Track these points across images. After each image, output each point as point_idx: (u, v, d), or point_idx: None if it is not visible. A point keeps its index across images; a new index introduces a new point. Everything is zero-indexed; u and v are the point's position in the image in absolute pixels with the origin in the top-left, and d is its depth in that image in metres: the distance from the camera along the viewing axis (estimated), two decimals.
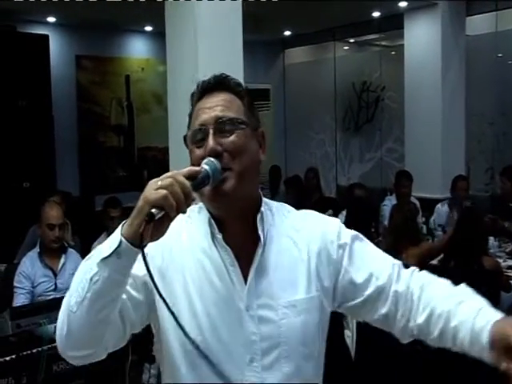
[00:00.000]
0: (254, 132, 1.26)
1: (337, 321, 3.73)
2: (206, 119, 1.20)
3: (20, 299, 3.37)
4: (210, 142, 1.18)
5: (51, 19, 6.87)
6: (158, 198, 1.03)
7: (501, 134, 6.69)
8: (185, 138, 1.25)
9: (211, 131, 1.18)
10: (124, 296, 1.13)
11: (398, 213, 3.77)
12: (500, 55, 6.71)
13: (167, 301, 1.07)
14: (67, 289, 3.54)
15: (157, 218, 1.03)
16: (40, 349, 2.34)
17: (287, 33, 8.74)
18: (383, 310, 1.24)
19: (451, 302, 1.18)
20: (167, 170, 4.01)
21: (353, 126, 8.54)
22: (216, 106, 1.22)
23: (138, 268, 1.10)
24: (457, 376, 3.17)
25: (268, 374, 1.18)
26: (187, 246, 1.22)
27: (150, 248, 1.08)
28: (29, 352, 2.34)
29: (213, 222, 1.22)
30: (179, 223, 1.17)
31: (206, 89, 1.25)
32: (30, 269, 3.48)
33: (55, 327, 3.00)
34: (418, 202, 5.37)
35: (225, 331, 1.17)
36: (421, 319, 1.20)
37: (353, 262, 1.27)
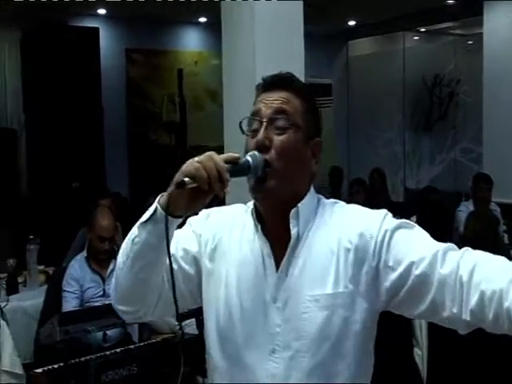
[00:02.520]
0: (308, 139, 1.33)
1: (404, 338, 3.66)
2: (262, 111, 1.32)
3: (69, 303, 3.46)
4: (260, 134, 1.29)
5: (101, 11, 7.09)
6: (191, 169, 1.20)
7: None
8: (240, 123, 1.37)
9: (264, 124, 1.29)
10: (175, 266, 1.30)
11: (477, 221, 3.66)
12: None
13: (214, 285, 1.33)
14: None
15: (188, 186, 1.18)
16: (89, 357, 2.40)
17: (351, 22, 8.67)
18: (429, 298, 1.23)
19: (503, 279, 1.14)
20: None
21: (423, 124, 8.38)
22: (275, 100, 1.32)
23: (191, 244, 1.36)
24: None
25: (289, 366, 1.26)
26: (238, 236, 1.36)
27: (205, 231, 1.37)
28: (77, 360, 2.41)
29: (254, 213, 1.35)
30: (238, 214, 1.39)
31: (270, 83, 1.36)
32: (78, 272, 3.57)
33: (103, 335, 3.08)
34: (498, 209, 5.21)
35: (251, 320, 1.29)
36: (472, 303, 1.16)
37: (392, 253, 1.27)
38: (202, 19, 7.75)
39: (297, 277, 1.28)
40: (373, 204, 6.07)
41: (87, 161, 6.37)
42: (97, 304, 3.46)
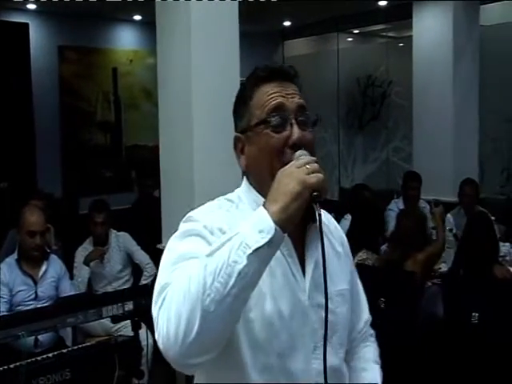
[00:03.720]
0: None
1: None
2: (286, 105, 1.28)
3: None
4: (298, 132, 1.26)
5: (31, 6, 6.86)
6: (320, 182, 1.12)
7: None
8: (268, 120, 1.27)
9: (294, 120, 1.27)
10: None
11: (407, 219, 3.77)
12: None
13: None
14: (49, 297, 3.52)
15: (317, 200, 1.12)
16: (19, 363, 2.33)
17: (287, 23, 8.75)
18: None
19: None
20: (157, 170, 4.00)
21: (357, 124, 8.54)
22: (294, 94, 1.30)
23: None
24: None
25: (329, 360, 1.26)
26: None
27: (215, 236, 1.19)
28: (6, 367, 2.33)
29: None
30: (227, 212, 1.29)
31: (278, 73, 1.32)
32: (7, 276, 3.46)
33: (35, 340, 2.98)
34: (428, 206, 5.37)
35: (291, 322, 1.25)
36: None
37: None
38: (137, 17, 7.64)
39: (321, 274, 1.24)
40: None
41: (17, 161, 6.17)
42: (29, 307, 3.36)
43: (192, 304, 1.03)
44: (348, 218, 4.75)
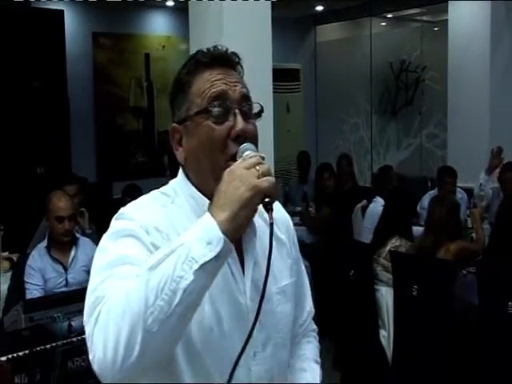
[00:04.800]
0: None
1: (371, 319, 3.71)
2: (229, 93, 1.18)
3: (32, 295, 3.36)
4: (242, 123, 1.16)
5: None
6: (270, 187, 1.03)
7: None
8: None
9: (237, 110, 1.17)
10: None
11: (439, 206, 3.72)
12: None
13: None
14: (79, 283, 3.55)
15: (269, 206, 1.05)
16: (54, 344, 2.36)
17: (319, 8, 8.66)
18: None
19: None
20: None
21: (390, 110, 8.44)
22: (237, 82, 1.21)
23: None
24: (502, 380, 3.13)
25: (271, 363, 1.22)
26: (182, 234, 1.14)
27: (157, 239, 1.10)
28: (43, 347, 2.36)
29: None
30: (163, 207, 1.19)
31: (222, 60, 1.23)
32: (38, 263, 3.47)
33: (69, 325, 3.02)
34: (465, 195, 5.29)
35: (230, 327, 1.16)
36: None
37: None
38: (170, 3, 7.64)
39: (262, 271, 1.15)
40: (341, 189, 6.16)
41: (52, 147, 6.25)
42: None
43: (132, 324, 0.94)
44: (377, 200, 4.71)
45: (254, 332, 1.10)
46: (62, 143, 6.41)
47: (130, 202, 4.45)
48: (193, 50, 3.88)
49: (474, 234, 4.22)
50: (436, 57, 7.54)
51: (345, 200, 5.57)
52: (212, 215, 1.01)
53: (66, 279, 3.51)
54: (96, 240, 4.02)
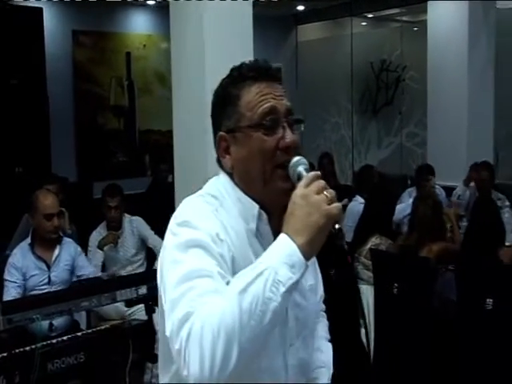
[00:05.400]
0: None
1: (352, 318, 3.71)
2: (278, 108, 1.27)
3: (10, 293, 3.35)
4: (291, 135, 1.26)
5: None
6: (340, 214, 1.12)
7: None
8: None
9: (286, 123, 1.26)
10: None
11: (423, 205, 3.74)
12: None
13: None
14: (62, 282, 3.52)
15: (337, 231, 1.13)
16: (34, 346, 2.34)
17: (300, 7, 8.66)
18: None
19: None
20: (171, 155, 3.99)
21: (371, 109, 8.48)
22: (282, 96, 1.30)
23: (225, 270, 1.15)
24: (481, 376, 3.16)
25: (303, 353, 1.33)
26: (234, 239, 1.23)
27: (222, 248, 1.17)
28: (22, 349, 2.34)
29: (264, 214, 1.27)
30: (214, 211, 1.24)
31: (268, 74, 1.31)
32: (21, 261, 3.46)
33: (50, 324, 2.99)
34: (443, 192, 5.33)
35: None
36: None
37: None
38: (151, 1, 7.59)
39: None
40: None
41: (32, 146, 6.18)
42: (42, 292, 3.37)
43: (228, 341, 1.02)
44: (357, 199, 4.73)
45: (291, 324, 1.28)
46: (41, 142, 6.34)
47: (112, 201, 4.36)
48: (173, 49, 3.88)
49: (449, 234, 4.26)
50: (416, 56, 7.58)
51: None
52: (291, 238, 1.09)
53: (49, 277, 3.49)
54: (76, 240, 3.99)
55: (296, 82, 9.11)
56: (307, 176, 1.17)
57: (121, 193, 4.44)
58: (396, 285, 3.43)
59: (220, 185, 1.32)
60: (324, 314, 1.59)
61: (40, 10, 6.50)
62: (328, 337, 1.56)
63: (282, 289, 1.05)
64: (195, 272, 1.12)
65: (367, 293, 3.71)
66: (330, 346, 1.54)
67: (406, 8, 8.12)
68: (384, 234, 3.84)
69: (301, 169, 1.21)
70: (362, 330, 3.73)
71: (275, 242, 1.11)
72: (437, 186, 5.40)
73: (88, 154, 7.38)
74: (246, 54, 3.58)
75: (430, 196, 4.15)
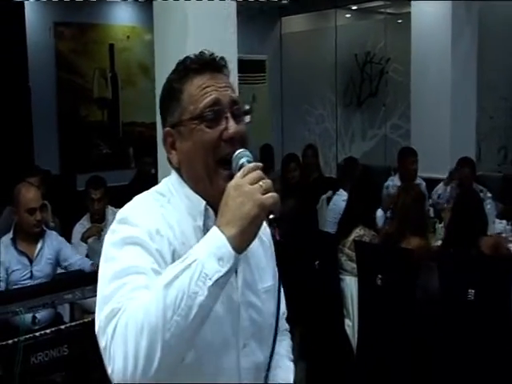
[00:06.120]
0: None
1: (336, 309, 3.74)
2: (220, 99, 1.25)
3: None
4: (234, 126, 1.23)
5: None
6: (275, 203, 1.08)
7: None
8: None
9: (229, 114, 1.24)
10: None
11: (405, 195, 3.76)
12: None
13: None
14: (44, 276, 3.50)
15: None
16: (17, 339, 2.33)
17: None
18: None
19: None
20: (154, 148, 3.95)
21: (355, 101, 8.50)
22: (226, 87, 1.28)
23: (161, 265, 1.14)
24: (464, 360, 3.20)
25: (256, 356, 1.30)
26: (179, 235, 1.22)
27: (159, 243, 1.16)
28: (4, 343, 2.32)
29: (211, 210, 1.25)
30: (160, 207, 1.24)
31: (211, 66, 1.29)
32: (2, 255, 3.43)
33: (33, 317, 2.97)
34: (424, 183, 5.36)
35: (223, 321, 1.23)
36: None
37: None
38: None
39: (251, 270, 1.31)
40: (306, 179, 6.17)
41: (13, 138, 6.12)
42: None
43: (151, 338, 1.00)
44: (341, 193, 4.74)
45: (246, 324, 1.26)
46: (23, 134, 6.28)
47: (95, 193, 4.33)
48: (157, 41, 3.85)
49: (437, 225, 4.29)
50: (399, 49, 7.61)
51: (310, 191, 5.59)
52: (221, 230, 1.06)
53: (31, 272, 3.47)
54: (59, 233, 3.97)
55: (281, 74, 9.11)
56: (245, 167, 1.15)
57: (104, 185, 4.42)
58: (380, 276, 3.45)
59: (169, 182, 1.32)
60: (288, 333, 1.55)
61: (21, 2, 6.43)
62: (291, 356, 1.50)
63: (209, 282, 1.02)
64: (128, 269, 1.11)
65: (351, 284, 3.73)
66: (291, 366, 1.47)
67: (390, 0, 8.14)
68: (367, 225, 3.86)
69: (243, 160, 1.19)
70: (346, 321, 3.76)
71: (206, 235, 1.09)
72: (418, 176, 5.43)
73: (71, 146, 7.32)
74: (230, 46, 3.57)
75: (412, 186, 4.17)
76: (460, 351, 3.21)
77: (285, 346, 1.50)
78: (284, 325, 1.54)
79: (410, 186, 4.18)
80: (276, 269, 1.39)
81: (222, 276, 1.04)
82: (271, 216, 1.10)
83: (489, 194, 4.82)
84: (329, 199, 5.23)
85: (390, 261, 3.50)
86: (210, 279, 1.03)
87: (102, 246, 3.89)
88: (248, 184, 1.09)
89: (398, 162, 5.56)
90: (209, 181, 1.23)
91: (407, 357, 3.36)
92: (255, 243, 1.24)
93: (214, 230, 1.08)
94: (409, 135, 7.03)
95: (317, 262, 3.77)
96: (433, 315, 3.35)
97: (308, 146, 6.60)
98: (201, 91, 1.25)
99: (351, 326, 3.73)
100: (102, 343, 1.05)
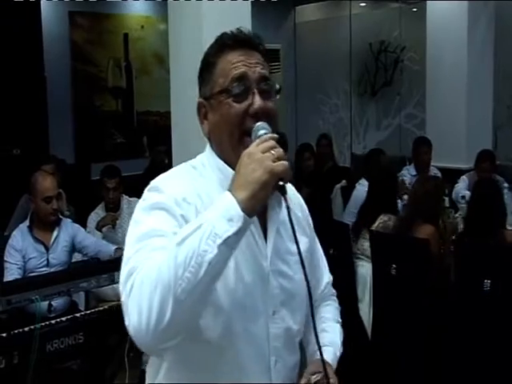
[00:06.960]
0: None
1: (350, 296, 3.72)
2: (249, 74, 1.28)
3: (11, 275, 3.35)
4: (260, 101, 1.27)
5: None
6: (285, 171, 1.14)
7: None
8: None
9: (256, 90, 1.28)
10: None
11: (422, 185, 3.73)
12: None
13: None
14: (60, 264, 3.53)
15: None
16: (33, 327, 2.34)
17: None
18: None
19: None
20: (169, 137, 3.97)
21: (369, 90, 8.43)
22: (257, 63, 1.31)
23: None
24: (478, 351, 3.18)
25: (287, 323, 1.34)
26: (209, 205, 1.23)
27: (185, 210, 1.21)
28: (20, 330, 2.34)
29: None
30: (192, 180, 1.30)
31: (245, 43, 1.32)
32: (20, 243, 3.46)
33: (49, 305, 2.99)
34: (439, 173, 5.31)
35: (253, 289, 1.27)
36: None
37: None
38: None
39: (283, 239, 1.34)
40: (320, 169, 6.14)
41: (29, 127, 6.15)
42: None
43: (163, 294, 1.05)
44: (362, 183, 4.70)
45: (276, 291, 1.31)
46: (38, 124, 6.31)
47: (110, 182, 4.37)
48: (171, 31, 3.83)
49: (452, 215, 4.25)
50: (415, 37, 7.52)
51: (324, 180, 5.57)
52: (232, 194, 1.11)
53: (48, 259, 3.50)
54: (75, 222, 3.99)
55: (295, 64, 9.05)
56: (260, 138, 1.20)
57: (119, 174, 4.43)
58: (394, 266, 3.43)
59: (203, 155, 1.38)
60: (335, 298, 1.62)
61: None
62: (339, 319, 1.56)
63: (219, 241, 1.07)
64: (151, 232, 1.18)
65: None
66: (337, 327, 1.54)
67: None
68: (392, 213, 3.86)
69: (262, 132, 1.23)
70: (361, 306, 3.74)
71: (218, 198, 1.14)
72: (432, 167, 5.38)
73: (86, 136, 7.34)
74: None
75: (430, 178, 4.14)
76: (474, 342, 3.19)
77: (331, 310, 1.57)
78: (331, 290, 1.61)
79: (427, 178, 4.16)
80: (314, 241, 1.51)
81: (230, 235, 1.07)
82: (281, 183, 1.14)
83: (505, 185, 4.76)
84: (343, 189, 5.20)
85: (404, 251, 3.48)
86: (220, 238, 1.07)
87: (116, 235, 3.92)
88: (260, 152, 1.14)
89: (412, 152, 5.52)
90: (233, 151, 1.27)
91: (420, 347, 3.35)
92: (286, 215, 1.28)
93: (226, 194, 1.12)
94: (424, 124, 6.97)
95: (331, 251, 3.76)
96: (447, 305, 3.32)
97: (322, 135, 6.57)
98: (231, 66, 1.29)
99: (367, 312, 3.71)
100: (122, 298, 1.13)
